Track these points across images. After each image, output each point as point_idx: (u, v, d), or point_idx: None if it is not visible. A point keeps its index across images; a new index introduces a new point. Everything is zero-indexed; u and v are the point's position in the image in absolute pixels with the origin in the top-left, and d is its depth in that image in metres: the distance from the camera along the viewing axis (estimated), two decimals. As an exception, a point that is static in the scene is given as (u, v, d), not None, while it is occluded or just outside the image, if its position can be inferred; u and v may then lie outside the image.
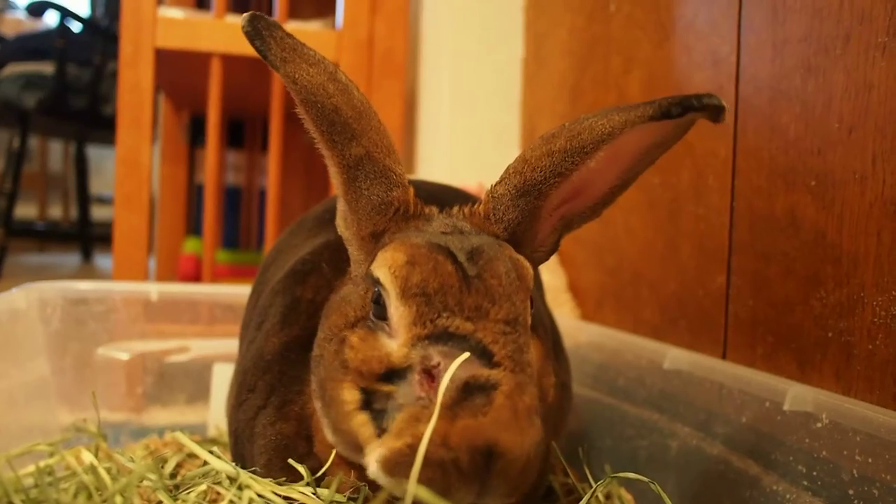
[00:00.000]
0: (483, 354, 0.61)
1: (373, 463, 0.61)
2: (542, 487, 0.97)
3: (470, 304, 0.64)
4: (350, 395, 0.65)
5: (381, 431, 0.62)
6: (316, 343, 0.74)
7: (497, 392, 0.59)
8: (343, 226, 0.77)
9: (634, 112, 0.72)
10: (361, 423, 0.64)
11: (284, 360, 0.81)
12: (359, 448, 0.65)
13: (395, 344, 0.65)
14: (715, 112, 0.72)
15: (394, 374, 0.64)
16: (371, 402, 0.64)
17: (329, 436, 0.71)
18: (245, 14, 0.72)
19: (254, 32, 0.72)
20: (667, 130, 0.75)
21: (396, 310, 0.65)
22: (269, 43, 0.72)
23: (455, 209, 0.77)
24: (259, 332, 0.87)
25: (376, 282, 0.68)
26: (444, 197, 0.81)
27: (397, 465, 0.59)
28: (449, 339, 0.62)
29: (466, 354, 0.61)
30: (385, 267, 0.67)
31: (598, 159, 0.73)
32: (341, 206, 0.77)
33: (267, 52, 0.72)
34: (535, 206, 0.75)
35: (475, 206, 0.76)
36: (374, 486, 0.67)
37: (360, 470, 0.69)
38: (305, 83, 0.71)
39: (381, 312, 0.67)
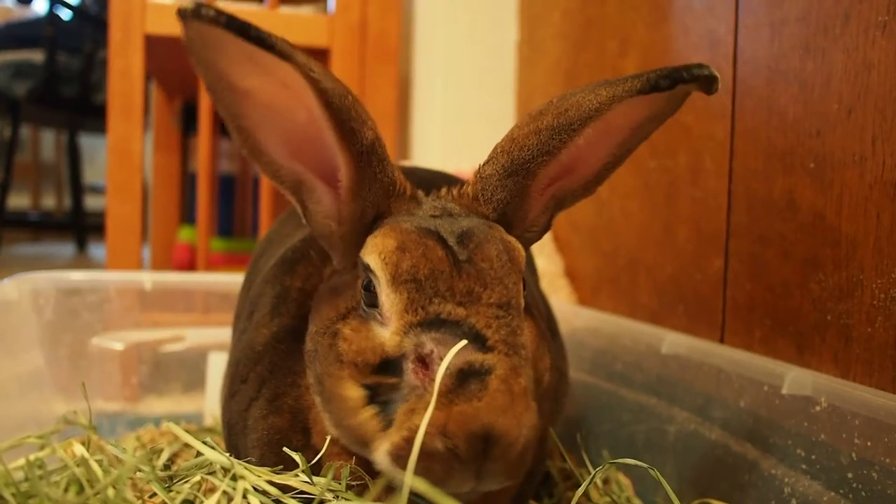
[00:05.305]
0: (476, 339, 0.61)
1: (380, 457, 0.61)
2: (540, 473, 0.97)
3: (461, 289, 0.63)
4: (351, 391, 0.65)
5: (387, 424, 0.62)
6: (309, 336, 0.73)
7: (492, 377, 0.58)
8: (336, 222, 0.72)
9: (622, 86, 0.71)
10: (367, 418, 0.64)
11: (275, 351, 0.80)
12: (366, 443, 0.64)
13: (387, 332, 0.64)
14: (706, 83, 0.70)
15: (389, 363, 0.63)
16: (374, 396, 0.64)
17: (332, 430, 0.71)
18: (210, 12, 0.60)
19: (240, 30, 0.60)
20: (659, 104, 0.74)
21: (388, 297, 0.64)
22: (263, 34, 0.62)
23: (443, 191, 0.76)
24: (250, 323, 0.86)
25: (366, 268, 0.67)
26: (437, 182, 0.80)
27: (398, 458, 0.59)
28: (441, 326, 0.62)
29: (464, 342, 0.60)
30: (375, 253, 0.66)
31: (586, 136, 0.72)
32: (339, 206, 0.72)
33: (273, 42, 0.61)
34: (524, 186, 0.73)
35: (464, 188, 0.75)
36: (375, 475, 0.66)
37: (361, 459, 0.69)
38: (320, 70, 0.64)
39: (371, 300, 0.66)
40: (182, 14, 0.60)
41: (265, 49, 0.62)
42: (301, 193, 0.72)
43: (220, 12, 0.60)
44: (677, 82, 0.70)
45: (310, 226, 0.74)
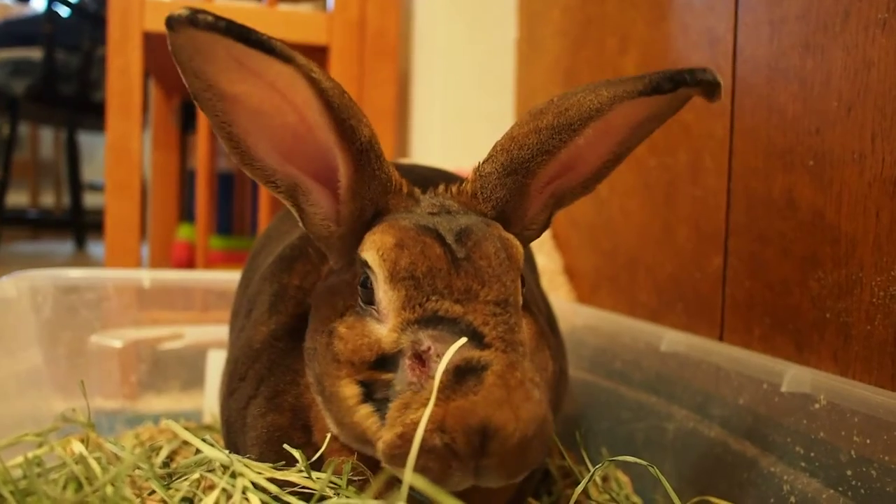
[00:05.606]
0: (474, 337, 0.61)
1: (379, 455, 0.61)
2: (539, 471, 0.97)
3: (459, 287, 0.63)
4: (349, 389, 0.65)
5: (385, 421, 0.61)
6: (308, 335, 0.73)
7: (488, 372, 0.58)
8: (334, 223, 0.72)
9: (624, 87, 0.70)
10: (365, 416, 0.63)
11: (273, 349, 0.80)
12: (367, 441, 0.64)
13: (384, 329, 0.64)
14: (709, 88, 0.70)
15: (386, 360, 0.63)
16: (371, 394, 0.63)
17: (334, 429, 0.71)
18: (206, 16, 0.59)
19: (240, 35, 0.60)
20: (660, 104, 0.74)
21: (385, 294, 0.64)
22: (264, 38, 0.61)
23: (441, 188, 0.76)
24: (248, 321, 0.86)
25: (364, 264, 0.67)
26: (436, 180, 0.80)
27: (394, 455, 0.58)
28: (439, 323, 0.62)
29: (463, 340, 0.60)
30: (373, 250, 0.66)
31: (586, 135, 0.72)
32: (337, 207, 0.72)
33: (274, 46, 0.61)
34: (524, 184, 0.73)
35: (462, 185, 0.75)
36: (377, 471, 0.66)
37: (363, 455, 0.69)
38: (319, 70, 0.64)
39: (368, 296, 0.66)
40: (175, 21, 0.60)
41: (266, 53, 0.61)
42: (297, 197, 0.72)
43: (218, 18, 0.59)
44: (679, 85, 0.70)
45: (307, 229, 0.73)
